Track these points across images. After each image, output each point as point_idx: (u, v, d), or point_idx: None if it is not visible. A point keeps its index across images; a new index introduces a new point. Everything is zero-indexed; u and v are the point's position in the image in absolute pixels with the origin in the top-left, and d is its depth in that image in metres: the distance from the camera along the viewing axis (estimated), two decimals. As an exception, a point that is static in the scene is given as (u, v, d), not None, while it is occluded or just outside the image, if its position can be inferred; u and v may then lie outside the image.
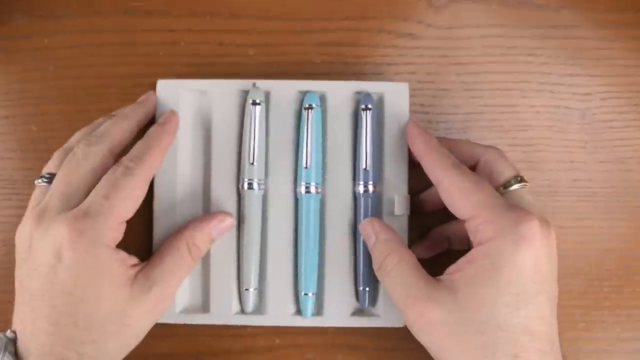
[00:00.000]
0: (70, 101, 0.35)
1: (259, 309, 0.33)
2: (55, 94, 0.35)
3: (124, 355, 0.28)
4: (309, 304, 0.32)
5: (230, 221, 0.32)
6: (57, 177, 0.29)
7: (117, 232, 0.28)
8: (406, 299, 0.28)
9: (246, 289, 0.32)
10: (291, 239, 0.33)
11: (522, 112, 0.36)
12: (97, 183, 0.28)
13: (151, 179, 0.30)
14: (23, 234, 0.28)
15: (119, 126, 0.30)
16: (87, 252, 0.26)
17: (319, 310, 0.33)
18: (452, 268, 0.28)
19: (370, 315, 0.33)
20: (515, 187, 0.30)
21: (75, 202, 0.28)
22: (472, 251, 0.27)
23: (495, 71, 0.36)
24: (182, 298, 0.33)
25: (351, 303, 0.33)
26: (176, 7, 0.36)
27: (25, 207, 0.29)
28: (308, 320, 0.33)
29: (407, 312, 0.28)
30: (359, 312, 0.33)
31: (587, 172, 0.35)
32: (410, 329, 0.28)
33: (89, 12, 0.36)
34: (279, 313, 0.32)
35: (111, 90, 0.35)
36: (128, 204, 0.28)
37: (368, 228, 0.31)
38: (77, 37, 0.36)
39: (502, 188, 0.30)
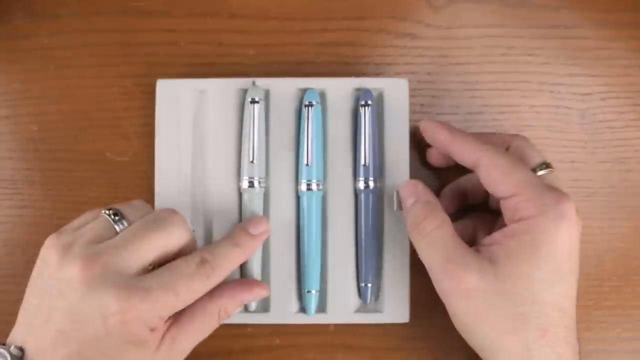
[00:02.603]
0: (70, 101, 0.35)
1: (263, 307, 0.33)
2: (55, 94, 0.35)
3: None
4: (313, 302, 0.33)
5: (264, 294, 0.31)
6: (145, 243, 0.27)
7: (162, 321, 0.27)
8: (445, 264, 0.28)
9: (249, 288, 0.32)
10: (293, 237, 0.33)
11: (522, 112, 0.36)
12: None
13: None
14: (57, 257, 0.26)
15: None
16: (130, 332, 0.25)
17: (322, 308, 0.33)
18: (487, 240, 0.28)
19: (374, 311, 0.33)
20: (544, 172, 0.30)
21: (134, 271, 0.26)
22: (512, 226, 0.28)
23: (495, 71, 0.36)
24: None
25: (354, 300, 0.33)
26: (176, 7, 0.36)
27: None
28: (312, 318, 0.33)
29: (444, 276, 0.28)
30: (362, 308, 0.33)
31: (587, 172, 0.35)
32: (441, 293, 0.28)
33: (89, 12, 0.36)
34: (283, 311, 0.33)
35: (111, 90, 0.35)
36: (188, 302, 0.28)
37: (410, 188, 0.31)
38: (77, 37, 0.36)
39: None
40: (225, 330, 0.34)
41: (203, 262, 0.28)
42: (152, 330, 0.26)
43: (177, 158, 0.33)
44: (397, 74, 0.35)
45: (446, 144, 0.31)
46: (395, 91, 0.33)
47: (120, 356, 0.26)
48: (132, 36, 0.36)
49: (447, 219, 0.29)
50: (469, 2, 0.36)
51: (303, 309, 0.33)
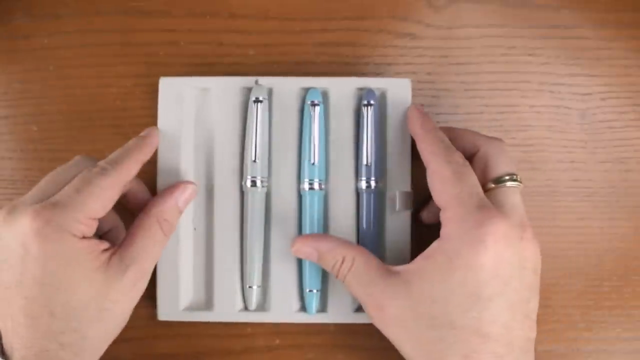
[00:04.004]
0: (70, 101, 0.35)
1: (263, 306, 0.33)
2: (55, 94, 0.35)
3: (108, 342, 0.28)
4: (314, 301, 0.33)
5: (192, 188, 0.32)
6: (45, 177, 0.29)
7: (86, 226, 0.27)
8: (366, 297, 0.28)
9: (249, 287, 0.32)
10: (295, 236, 0.33)
11: (522, 112, 0.36)
12: None
13: (124, 184, 0.29)
14: None
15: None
16: (53, 241, 0.26)
17: (323, 307, 0.33)
18: (412, 262, 0.28)
19: None
20: (506, 184, 0.29)
21: (49, 196, 0.27)
22: (432, 246, 0.27)
23: (495, 71, 0.36)
24: (185, 296, 0.33)
25: (355, 299, 0.33)
26: (176, 7, 0.36)
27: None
28: (312, 317, 0.33)
29: (367, 307, 0.28)
30: (363, 308, 0.33)
31: (587, 172, 0.35)
32: (373, 323, 0.29)
33: (89, 12, 0.36)
34: (283, 310, 0.33)
35: (111, 90, 0.35)
36: (98, 202, 0.27)
37: (303, 248, 0.30)
38: (77, 37, 0.36)
39: (491, 183, 0.29)
40: (226, 330, 0.34)
41: (98, 165, 0.28)
42: (80, 238, 0.27)
43: (180, 156, 0.33)
44: (397, 74, 0.35)
45: (415, 138, 0.30)
46: (398, 91, 0.33)
47: (66, 280, 0.26)
48: (132, 36, 0.36)
49: (357, 251, 0.29)
50: (469, 2, 0.36)
51: (304, 308, 0.33)
